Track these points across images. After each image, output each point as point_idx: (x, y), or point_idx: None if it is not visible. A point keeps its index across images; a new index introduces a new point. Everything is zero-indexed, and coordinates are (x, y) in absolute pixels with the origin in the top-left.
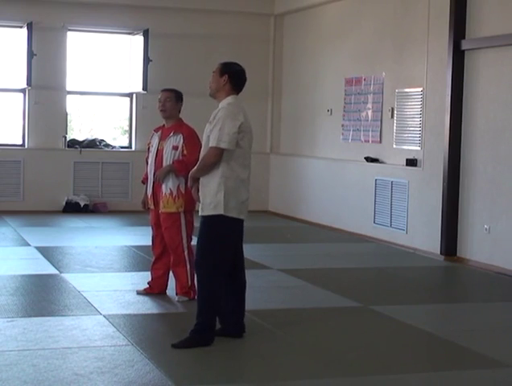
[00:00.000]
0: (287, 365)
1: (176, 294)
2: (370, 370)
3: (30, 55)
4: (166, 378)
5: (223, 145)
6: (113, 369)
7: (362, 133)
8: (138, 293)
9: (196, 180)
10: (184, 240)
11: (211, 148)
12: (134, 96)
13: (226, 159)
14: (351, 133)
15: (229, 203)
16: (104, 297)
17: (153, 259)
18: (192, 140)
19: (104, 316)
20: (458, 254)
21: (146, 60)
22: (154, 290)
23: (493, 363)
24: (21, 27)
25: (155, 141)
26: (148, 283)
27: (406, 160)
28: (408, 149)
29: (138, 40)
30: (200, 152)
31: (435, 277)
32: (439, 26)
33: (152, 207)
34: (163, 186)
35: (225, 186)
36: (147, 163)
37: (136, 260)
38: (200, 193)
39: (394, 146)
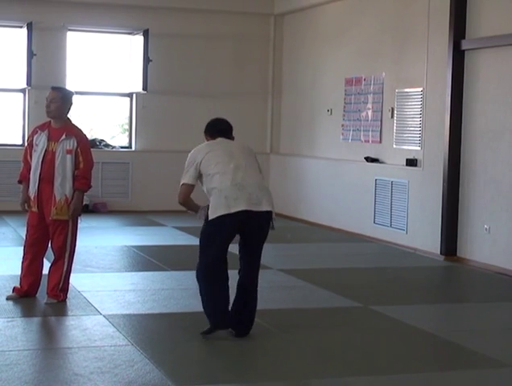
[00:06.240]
0: (287, 365)
1: (46, 294)
2: (370, 370)
3: (31, 55)
4: (166, 378)
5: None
6: (113, 369)
7: (362, 133)
8: (8, 298)
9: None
10: (68, 243)
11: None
12: (134, 96)
13: (205, 186)
14: (351, 133)
15: (217, 209)
16: (104, 297)
17: (27, 260)
18: (85, 145)
19: (104, 316)
20: (458, 254)
21: (146, 60)
22: (29, 292)
23: (493, 363)
24: (21, 27)
25: (42, 140)
26: (20, 284)
27: (406, 160)
28: (408, 149)
29: (138, 40)
30: (91, 156)
31: (435, 277)
32: (439, 26)
33: (35, 209)
34: (57, 192)
35: (211, 203)
36: (27, 161)
37: (136, 260)
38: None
39: (394, 146)
